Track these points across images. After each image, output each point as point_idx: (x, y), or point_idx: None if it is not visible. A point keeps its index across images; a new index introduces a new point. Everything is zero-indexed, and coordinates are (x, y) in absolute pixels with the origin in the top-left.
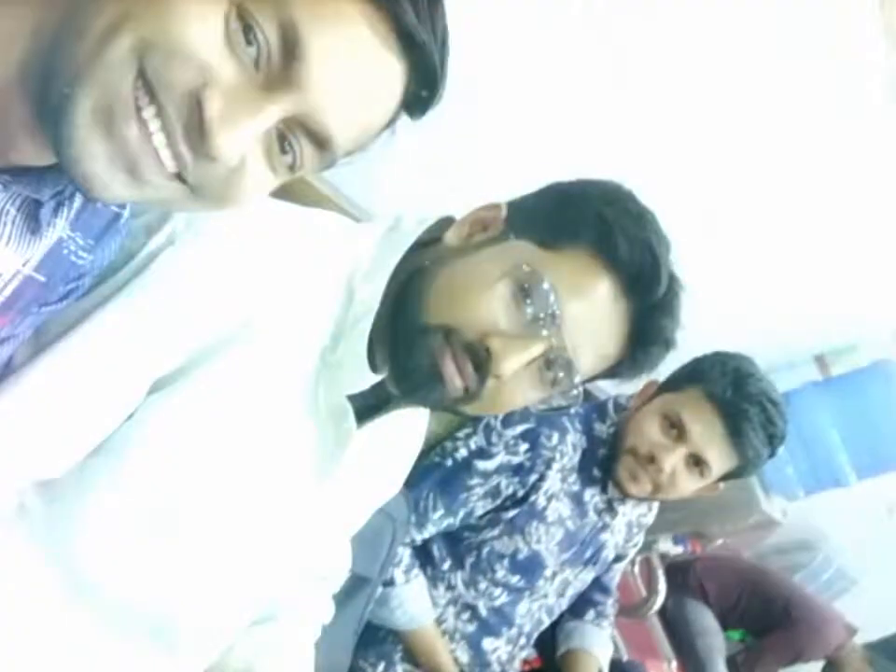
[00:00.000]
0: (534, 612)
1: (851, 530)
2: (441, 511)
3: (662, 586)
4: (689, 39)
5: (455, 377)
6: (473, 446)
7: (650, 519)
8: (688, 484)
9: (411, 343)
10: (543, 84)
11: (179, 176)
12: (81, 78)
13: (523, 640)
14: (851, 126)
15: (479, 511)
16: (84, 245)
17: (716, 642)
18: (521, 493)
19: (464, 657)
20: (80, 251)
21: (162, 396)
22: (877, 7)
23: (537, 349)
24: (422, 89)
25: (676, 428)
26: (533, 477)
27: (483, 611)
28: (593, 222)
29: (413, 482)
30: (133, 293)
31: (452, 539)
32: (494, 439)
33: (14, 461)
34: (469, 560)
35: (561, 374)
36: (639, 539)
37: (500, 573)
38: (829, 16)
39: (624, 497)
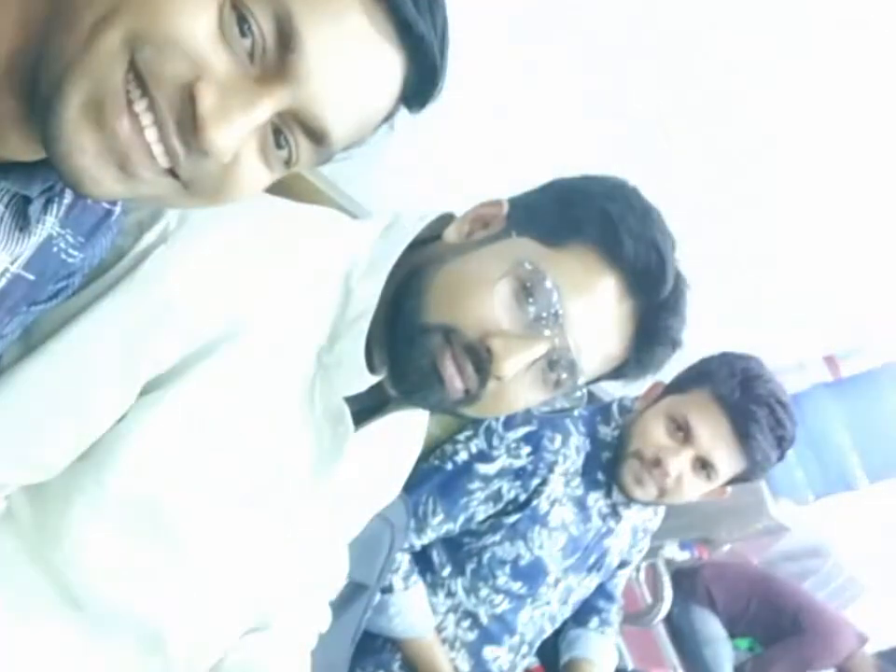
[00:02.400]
0: (536, 620)
1: (862, 535)
2: (440, 516)
3: (667, 593)
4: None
5: (455, 378)
6: (474, 449)
7: (655, 524)
8: (694, 488)
9: (410, 344)
10: (544, 81)
11: (172, 172)
12: (71, 72)
13: (525, 649)
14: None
15: (479, 516)
16: (74, 242)
17: (723, 651)
18: (523, 497)
19: (465, 666)
20: (70, 249)
21: (155, 397)
22: None
23: (539, 349)
24: (421, 82)
25: (682, 431)
26: (535, 481)
27: (485, 619)
28: (597, 219)
29: (411, 486)
30: (124, 292)
31: (452, 544)
32: (495, 441)
33: (1, 463)
34: (470, 566)
35: (564, 375)
36: (644, 544)
37: (502, 580)
38: None
39: (629, 501)
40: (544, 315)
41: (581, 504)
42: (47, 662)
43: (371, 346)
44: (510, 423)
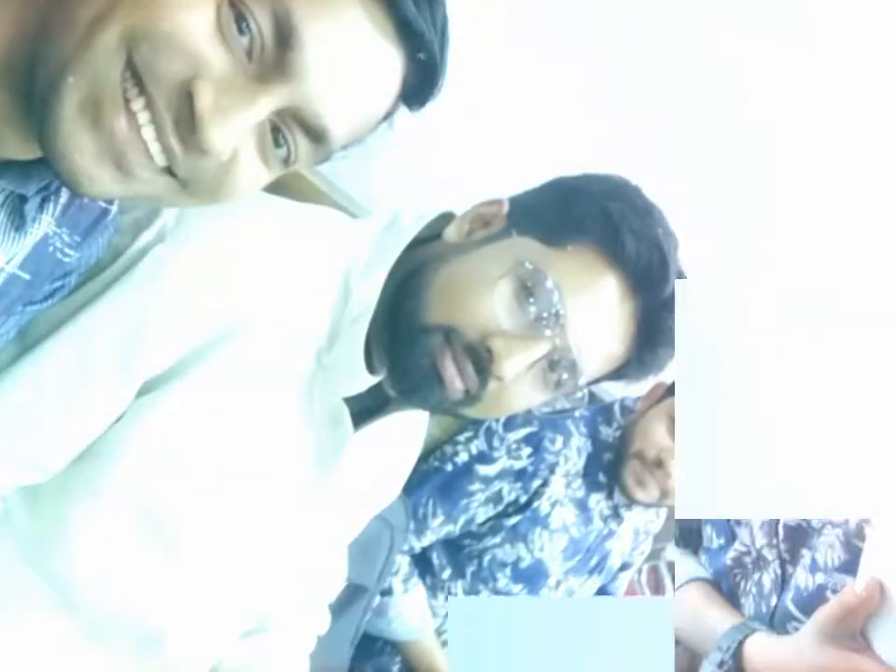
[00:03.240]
0: None
1: None
2: (440, 518)
3: (669, 595)
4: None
5: (455, 379)
6: (474, 450)
7: (657, 526)
8: None
9: (409, 344)
10: (541, 78)
11: (169, 171)
12: (68, 70)
13: None
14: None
15: (480, 518)
16: (70, 241)
17: None
18: (523, 499)
19: None
20: (66, 248)
21: (152, 398)
22: None
23: (540, 350)
24: (421, 80)
25: None
26: (536, 482)
27: None
28: (598, 218)
29: (411, 487)
30: (121, 292)
31: (452, 546)
32: (495, 443)
33: None
34: (470, 569)
35: (565, 376)
36: (646, 546)
37: (502, 582)
38: None
39: (631, 503)
40: (545, 315)
41: (582, 505)
42: (45, 663)
43: (371, 346)
44: (510, 424)
